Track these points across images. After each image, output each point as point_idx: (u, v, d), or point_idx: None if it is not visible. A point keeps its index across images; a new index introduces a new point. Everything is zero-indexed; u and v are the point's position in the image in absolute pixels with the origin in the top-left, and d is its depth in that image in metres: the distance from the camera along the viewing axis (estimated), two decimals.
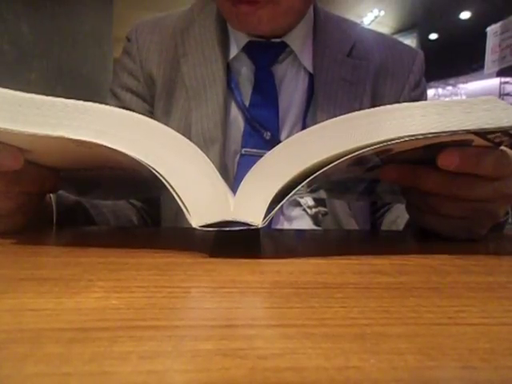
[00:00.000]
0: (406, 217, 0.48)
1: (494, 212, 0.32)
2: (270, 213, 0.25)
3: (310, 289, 0.19)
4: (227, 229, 0.25)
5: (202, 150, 0.25)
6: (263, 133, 0.52)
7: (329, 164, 0.25)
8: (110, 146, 0.24)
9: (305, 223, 0.53)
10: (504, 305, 0.17)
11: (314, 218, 0.53)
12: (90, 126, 0.24)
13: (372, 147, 0.25)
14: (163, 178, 0.25)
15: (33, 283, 0.19)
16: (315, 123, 0.25)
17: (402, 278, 0.21)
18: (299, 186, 0.25)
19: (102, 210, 0.48)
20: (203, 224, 0.25)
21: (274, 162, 0.25)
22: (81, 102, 0.25)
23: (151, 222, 0.59)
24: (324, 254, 0.26)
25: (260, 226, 0.25)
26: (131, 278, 0.20)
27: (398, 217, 0.53)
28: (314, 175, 0.25)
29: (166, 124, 0.25)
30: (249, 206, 0.25)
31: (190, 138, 0.25)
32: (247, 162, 0.52)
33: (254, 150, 0.52)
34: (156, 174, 0.24)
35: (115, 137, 0.24)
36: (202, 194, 0.25)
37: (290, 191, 0.25)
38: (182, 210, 0.25)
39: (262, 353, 0.12)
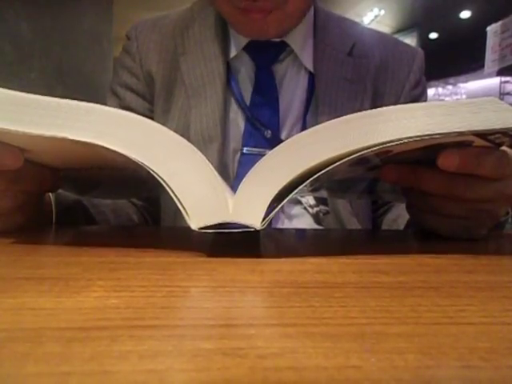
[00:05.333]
0: (406, 216, 0.48)
1: (494, 212, 0.32)
2: (269, 213, 0.25)
3: (310, 288, 0.19)
4: (226, 230, 0.25)
5: (200, 148, 0.25)
6: (264, 131, 0.52)
7: (331, 164, 0.25)
8: (109, 147, 0.24)
9: (305, 222, 0.53)
10: (504, 304, 0.17)
11: (315, 217, 0.53)
12: (90, 127, 0.24)
13: (376, 148, 0.25)
14: (162, 179, 0.24)
15: (32, 282, 0.19)
16: (316, 122, 0.25)
17: (401, 278, 0.21)
18: (301, 186, 0.25)
19: (102, 208, 0.48)
20: (202, 226, 0.25)
21: (274, 164, 0.25)
22: (75, 102, 0.24)
23: (152, 220, 0.59)
24: (324, 253, 0.26)
25: (259, 229, 0.25)
26: (131, 278, 0.20)
27: (398, 216, 0.53)
28: (316, 175, 0.25)
29: (165, 123, 0.25)
30: (248, 207, 0.25)
31: (188, 137, 0.24)
32: (248, 161, 0.52)
33: (255, 149, 0.52)
34: (155, 175, 0.24)
35: (115, 138, 0.24)
36: (200, 196, 0.25)
37: (291, 191, 0.25)
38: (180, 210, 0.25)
39: (262, 352, 0.12)
